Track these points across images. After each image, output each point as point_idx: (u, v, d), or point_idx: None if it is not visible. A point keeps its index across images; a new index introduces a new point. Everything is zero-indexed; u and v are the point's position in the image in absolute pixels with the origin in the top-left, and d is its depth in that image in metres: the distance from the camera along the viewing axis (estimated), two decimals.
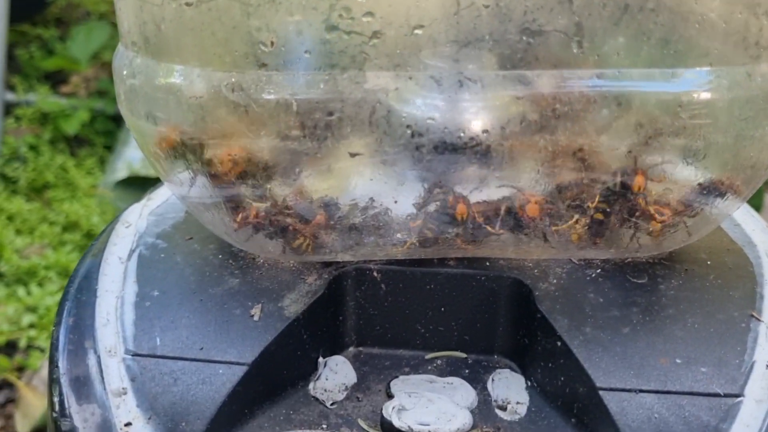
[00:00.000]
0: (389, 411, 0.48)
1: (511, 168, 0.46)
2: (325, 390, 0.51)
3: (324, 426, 0.48)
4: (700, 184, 0.49)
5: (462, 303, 0.53)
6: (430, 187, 0.52)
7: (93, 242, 0.57)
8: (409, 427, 0.46)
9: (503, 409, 0.49)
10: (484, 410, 0.49)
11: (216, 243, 0.56)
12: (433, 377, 0.51)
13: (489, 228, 0.50)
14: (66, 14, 2.67)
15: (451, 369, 0.51)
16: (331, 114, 0.43)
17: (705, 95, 0.44)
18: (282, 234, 0.51)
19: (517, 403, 0.50)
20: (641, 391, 0.45)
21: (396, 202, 0.50)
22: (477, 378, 0.50)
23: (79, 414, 0.45)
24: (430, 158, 0.49)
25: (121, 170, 1.87)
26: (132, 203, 0.62)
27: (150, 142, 0.48)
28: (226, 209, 0.49)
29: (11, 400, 1.37)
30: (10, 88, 2.20)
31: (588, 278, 0.52)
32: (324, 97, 0.43)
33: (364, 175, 0.53)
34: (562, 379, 0.48)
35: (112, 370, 0.46)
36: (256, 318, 0.50)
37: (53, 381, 0.47)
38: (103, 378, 0.46)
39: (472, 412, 0.49)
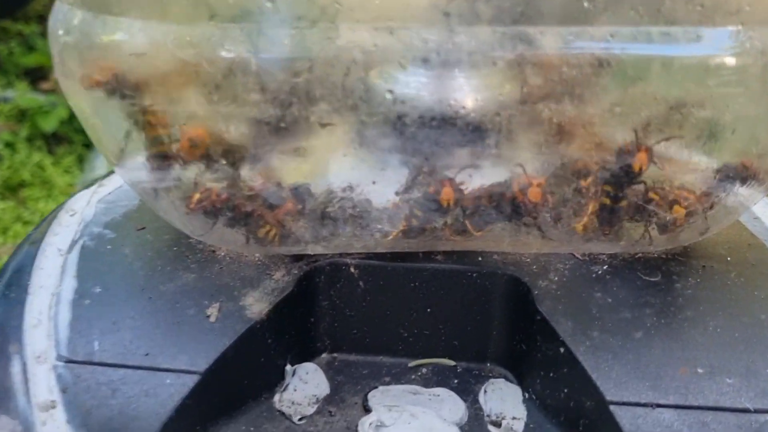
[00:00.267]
0: (366, 427, 0.41)
1: (510, 144, 0.40)
2: (293, 403, 0.44)
3: None
4: (725, 167, 0.42)
5: (451, 303, 0.47)
6: (415, 168, 0.46)
7: (31, 232, 0.50)
8: None
9: (497, 425, 0.43)
10: (476, 426, 0.43)
11: (172, 233, 0.49)
12: (417, 388, 0.45)
13: (478, 216, 0.44)
14: (48, 10, 2.60)
15: (437, 378, 0.47)
16: (297, 75, 0.36)
17: (734, 59, 0.38)
18: (244, 221, 0.44)
19: (513, 418, 0.43)
20: (658, 405, 0.39)
21: (374, 183, 0.43)
22: (467, 389, 0.45)
23: None
24: (414, 131, 0.43)
25: (100, 168, 1.80)
26: None
27: (87, 110, 0.42)
28: (176, 191, 0.42)
29: None
30: None
31: (594, 275, 0.46)
32: (289, 55, 0.37)
33: (342, 156, 0.46)
34: (566, 391, 0.42)
35: (40, 379, 0.40)
36: (212, 319, 0.43)
37: None
38: (28, 388, 0.39)
39: (461, 428, 0.42)
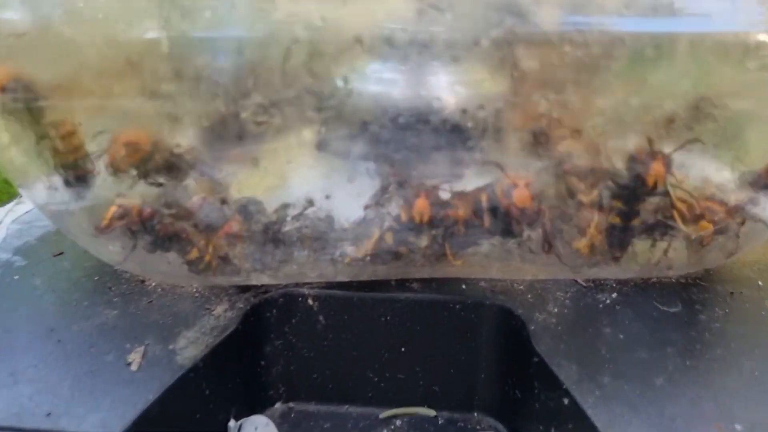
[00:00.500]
0: None
1: (497, 147, 0.32)
2: None
3: None
4: (760, 175, 0.35)
5: (430, 341, 0.40)
6: (385, 177, 0.38)
7: None
8: None
9: None
10: None
11: (94, 260, 0.41)
12: None
13: (459, 236, 0.36)
14: None
15: None
16: (222, 58, 0.28)
17: None
18: (167, 245, 0.36)
19: None
20: None
21: (328, 197, 0.35)
22: None
23: None
24: (378, 131, 0.35)
25: None
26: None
27: None
28: (85, 210, 0.34)
29: None
30: None
31: (601, 305, 0.38)
32: (210, 33, 0.29)
33: (301, 166, 0.39)
34: None
35: None
36: (133, 367, 0.35)
37: None
38: None
39: None
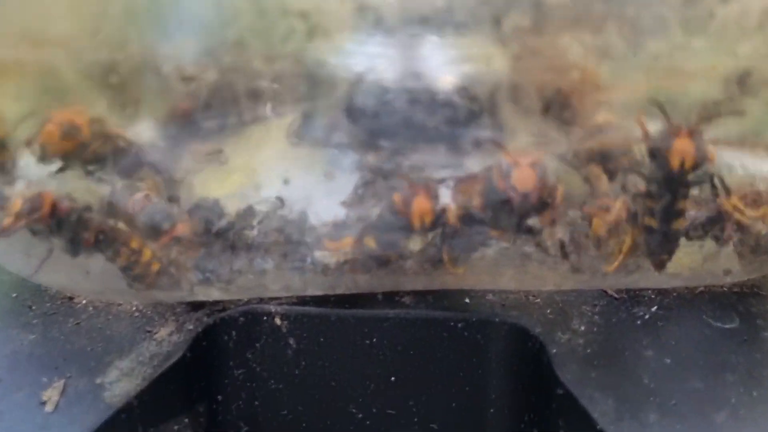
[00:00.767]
0: None
1: (509, 120, 0.25)
2: None
3: None
4: None
5: (426, 368, 0.32)
6: (370, 169, 0.32)
7: None
8: None
9: None
10: None
11: (14, 273, 0.34)
12: None
13: (461, 236, 0.29)
14: None
15: None
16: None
17: None
18: (91, 246, 0.29)
19: None
20: None
21: (286, 182, 0.28)
22: None
23: None
24: (366, 115, 0.29)
25: None
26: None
27: None
28: None
29: None
30: None
31: (639, 322, 0.31)
32: None
33: (271, 162, 0.33)
34: None
35: None
36: (48, 407, 0.28)
37: None
38: None
39: None
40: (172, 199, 0.34)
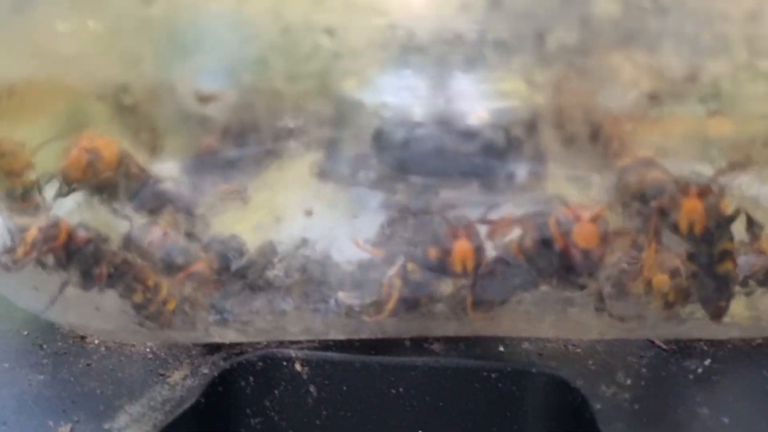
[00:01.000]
0: None
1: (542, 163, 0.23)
2: None
3: None
4: None
5: (456, 421, 0.30)
6: (399, 208, 0.30)
7: None
8: None
9: None
10: None
11: (25, 311, 0.32)
12: None
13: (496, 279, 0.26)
14: None
15: None
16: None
17: None
18: (107, 282, 0.27)
19: None
20: None
21: (309, 213, 0.27)
22: None
23: None
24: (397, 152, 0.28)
25: None
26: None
27: None
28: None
29: None
30: None
31: (691, 376, 0.29)
32: None
33: (291, 194, 0.32)
34: None
35: None
36: None
37: None
38: None
39: None
40: (191, 236, 0.32)
